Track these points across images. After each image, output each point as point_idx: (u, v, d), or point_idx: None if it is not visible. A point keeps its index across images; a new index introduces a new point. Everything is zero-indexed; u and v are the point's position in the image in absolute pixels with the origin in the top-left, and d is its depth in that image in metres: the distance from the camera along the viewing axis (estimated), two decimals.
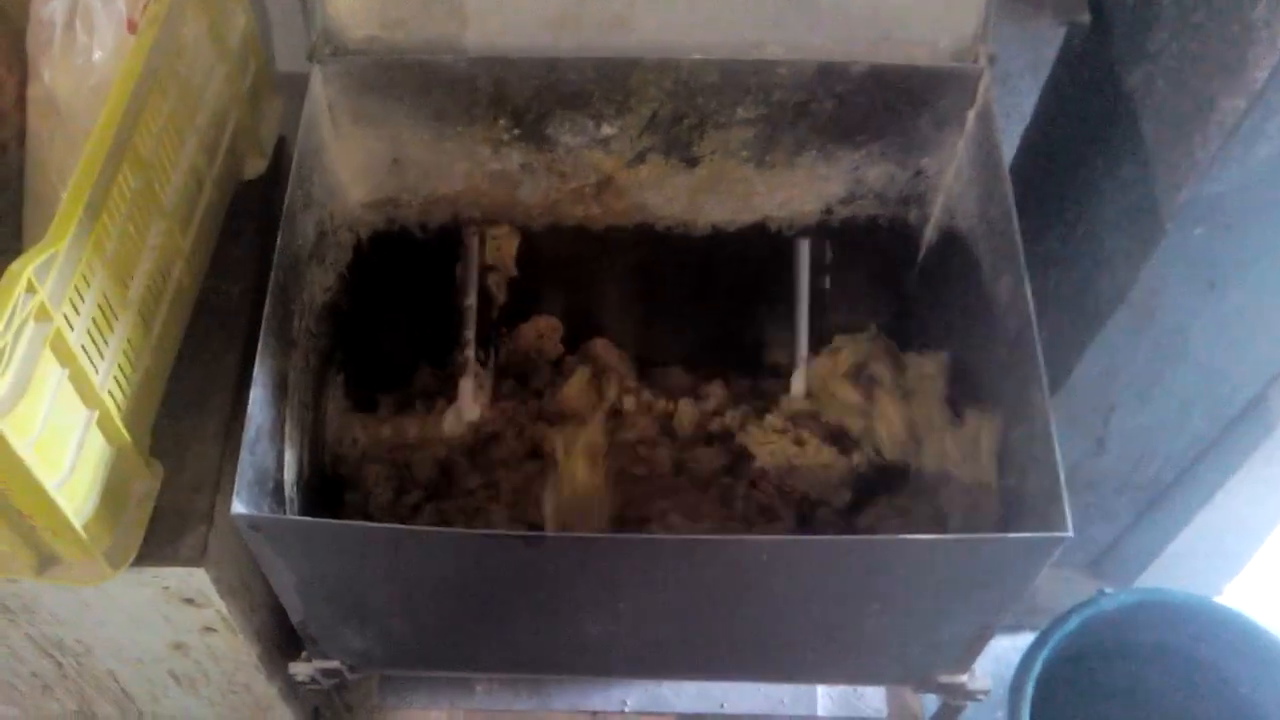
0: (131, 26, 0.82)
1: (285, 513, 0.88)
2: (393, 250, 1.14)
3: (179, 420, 0.89)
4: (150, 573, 0.83)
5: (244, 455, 0.78)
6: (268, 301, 0.85)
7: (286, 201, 0.91)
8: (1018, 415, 0.88)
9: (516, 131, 1.04)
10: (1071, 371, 1.13)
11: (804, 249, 1.11)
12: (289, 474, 0.89)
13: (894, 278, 1.16)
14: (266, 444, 0.84)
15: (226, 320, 0.93)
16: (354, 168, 1.07)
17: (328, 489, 1.03)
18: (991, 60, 0.98)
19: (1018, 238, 0.89)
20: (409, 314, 1.16)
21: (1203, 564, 1.41)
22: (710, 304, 1.19)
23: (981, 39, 0.98)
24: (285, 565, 0.81)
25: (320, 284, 1.00)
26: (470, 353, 1.08)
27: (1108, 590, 1.23)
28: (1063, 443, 0.80)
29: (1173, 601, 1.22)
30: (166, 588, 0.85)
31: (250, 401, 0.80)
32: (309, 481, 0.97)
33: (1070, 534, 0.77)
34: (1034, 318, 0.86)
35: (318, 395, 1.00)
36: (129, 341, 0.81)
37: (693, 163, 1.07)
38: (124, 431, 0.78)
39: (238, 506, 0.76)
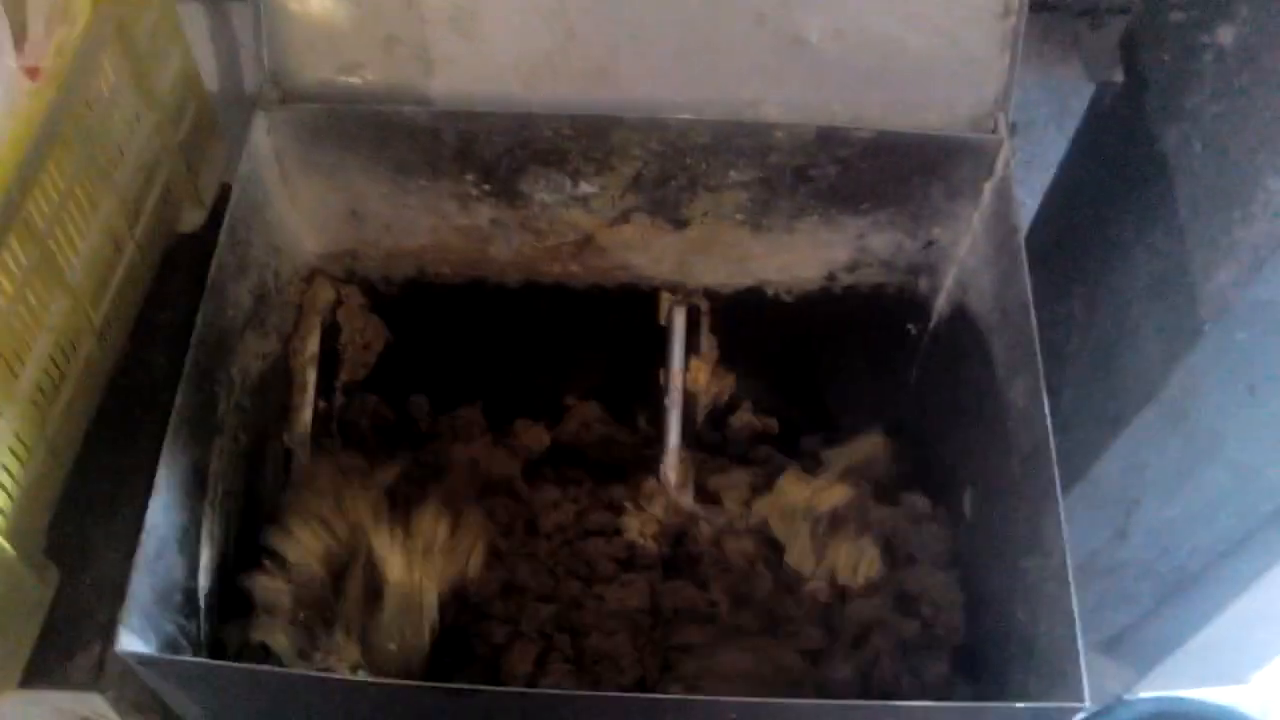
0: (33, 75, 0.72)
1: (198, 624, 0.78)
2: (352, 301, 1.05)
3: (82, 516, 0.79)
4: (40, 695, 0.74)
5: (137, 576, 0.69)
6: (179, 393, 0.75)
7: (211, 274, 0.81)
8: (1029, 542, 0.77)
9: (486, 187, 0.94)
10: (1094, 464, 1.02)
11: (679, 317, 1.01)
12: (204, 580, 0.80)
13: (898, 354, 1.06)
14: (174, 555, 0.75)
15: (147, 397, 0.84)
16: (307, 218, 0.97)
17: None
18: (1013, 130, 0.87)
19: (1036, 341, 0.79)
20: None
21: (1230, 654, 1.31)
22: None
23: (1002, 106, 0.87)
24: (187, 698, 0.71)
25: (256, 353, 0.90)
26: None
27: (1125, 698, 1.12)
28: (1082, 530, 0.71)
29: (1194, 712, 1.12)
30: (60, 709, 0.76)
31: (150, 511, 0.71)
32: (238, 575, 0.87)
33: (1087, 705, 0.66)
34: (1051, 435, 0.76)
35: (250, 476, 0.90)
36: (17, 437, 0.71)
37: (682, 224, 0.97)
38: (5, 544, 0.69)
39: (125, 641, 0.66)
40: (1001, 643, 0.80)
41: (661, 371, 1.02)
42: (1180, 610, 1.24)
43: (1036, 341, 0.78)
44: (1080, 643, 0.69)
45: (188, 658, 0.71)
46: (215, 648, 0.82)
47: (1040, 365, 0.78)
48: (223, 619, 0.83)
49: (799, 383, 1.11)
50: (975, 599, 0.87)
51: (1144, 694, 1.29)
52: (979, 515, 0.88)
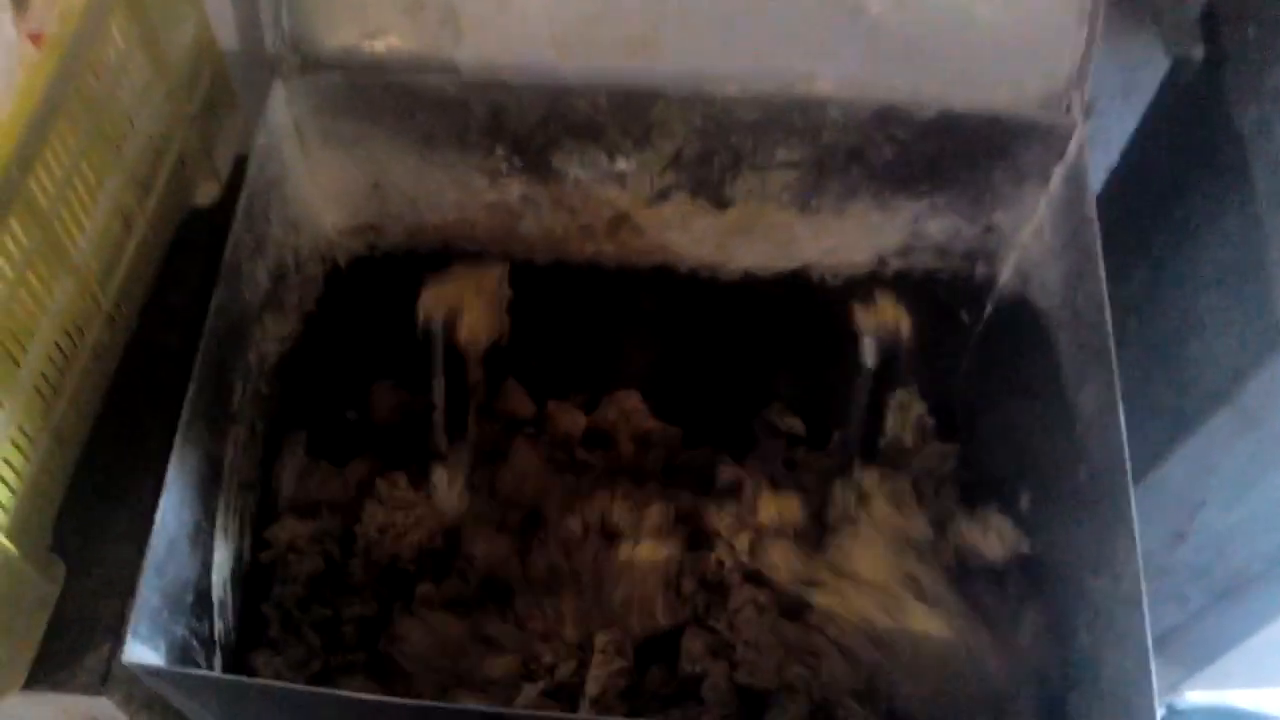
0: (35, 40, 0.66)
1: (211, 625, 0.75)
2: (374, 276, 1.00)
3: (90, 510, 0.75)
4: (46, 696, 0.71)
5: (146, 579, 0.65)
6: (193, 381, 0.71)
7: (227, 253, 0.76)
8: (1097, 561, 0.72)
9: (517, 162, 0.89)
10: (1157, 466, 0.96)
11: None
12: (219, 575, 0.76)
13: (948, 344, 1.00)
14: (185, 554, 0.70)
15: (159, 384, 0.79)
16: (328, 191, 0.92)
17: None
18: (1088, 111, 0.80)
19: (1111, 347, 0.72)
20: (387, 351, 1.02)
21: None
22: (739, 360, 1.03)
23: (1077, 84, 0.80)
24: (199, 708, 0.68)
25: (276, 335, 0.85)
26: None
27: (1176, 704, 1.08)
28: (1139, 531, 0.66)
29: None
30: (66, 710, 0.72)
31: (161, 509, 0.67)
32: (250, 572, 0.84)
33: None
34: (1125, 450, 0.70)
35: (268, 466, 0.86)
36: (20, 429, 0.67)
37: (724, 204, 0.91)
38: (7, 542, 0.65)
39: (133, 651, 0.62)
40: (1061, 666, 0.75)
41: None
42: (1234, 612, 1.18)
43: (1113, 348, 0.72)
44: (1153, 676, 0.64)
45: (198, 671, 0.68)
46: (232, 649, 0.78)
47: (1116, 373, 0.72)
48: (240, 617, 0.80)
49: (840, 374, 1.05)
50: (1034, 612, 0.82)
51: (1191, 694, 1.25)
52: (1038, 522, 0.83)
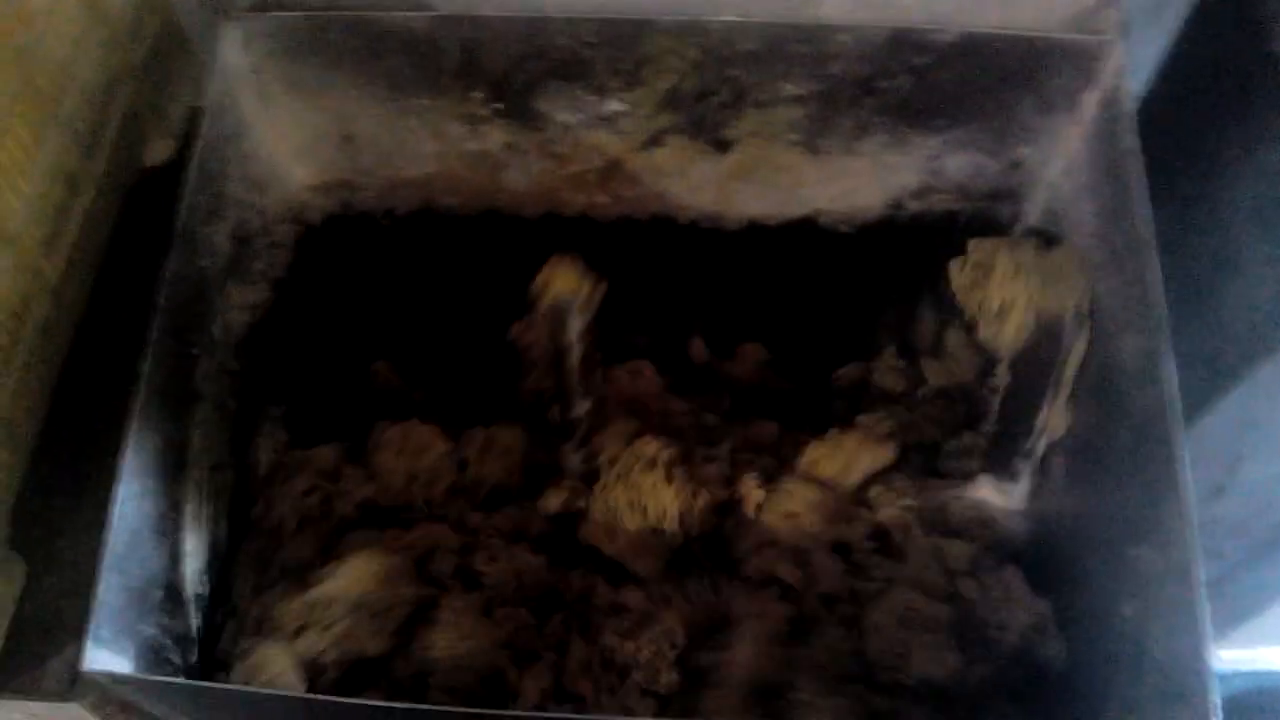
0: None
1: (185, 620, 0.69)
2: (350, 237, 0.93)
3: (49, 503, 0.69)
4: (9, 704, 0.65)
5: (105, 578, 0.59)
6: (146, 359, 0.65)
7: (180, 218, 0.69)
8: (1142, 529, 0.65)
9: (497, 106, 0.81)
10: (1195, 421, 0.89)
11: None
12: (192, 566, 0.70)
13: None
14: (150, 547, 0.65)
15: (116, 363, 0.72)
16: (293, 145, 0.85)
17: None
18: (1125, 31, 0.72)
19: (1160, 293, 0.66)
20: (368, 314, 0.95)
21: None
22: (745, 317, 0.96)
23: (1112, 1, 0.72)
24: (173, 712, 0.62)
25: (242, 304, 0.79)
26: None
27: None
28: None
29: None
30: (35, 717, 0.67)
31: (115, 502, 0.61)
32: (236, 555, 0.78)
33: None
34: (1177, 407, 0.64)
35: (242, 445, 0.80)
36: None
37: (724, 146, 0.84)
38: None
39: (93, 657, 0.57)
40: (1100, 644, 0.69)
41: None
42: (1271, 568, 1.13)
43: (1161, 293, 0.66)
44: (1209, 656, 0.58)
45: (166, 678, 0.62)
46: (210, 644, 0.73)
47: (1165, 322, 0.65)
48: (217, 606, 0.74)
49: (850, 329, 0.98)
50: (1066, 586, 0.76)
51: (1225, 654, 1.20)
52: (1072, 487, 0.77)
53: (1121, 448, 0.69)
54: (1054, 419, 0.77)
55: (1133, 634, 0.65)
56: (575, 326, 0.81)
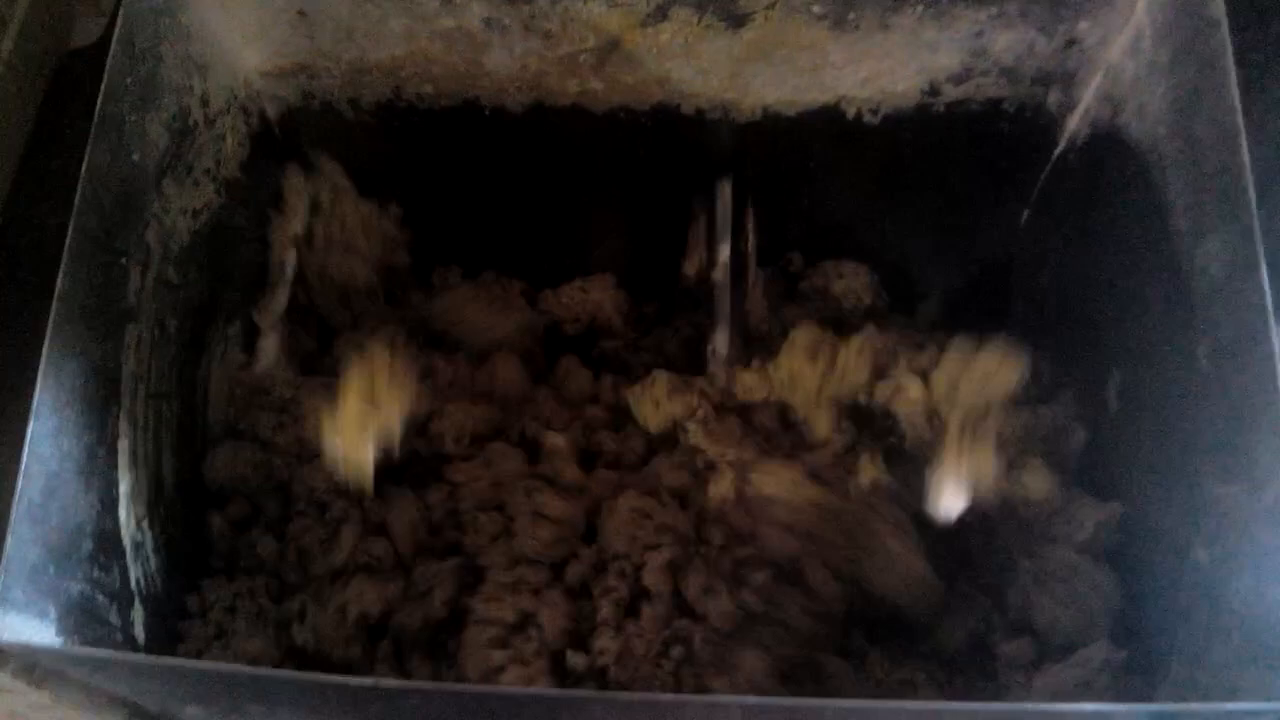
0: None
1: (123, 570, 0.61)
2: (314, 133, 0.82)
3: None
4: None
5: (15, 531, 0.50)
6: (63, 272, 0.55)
7: (101, 102, 0.59)
8: (1225, 463, 0.57)
9: None
10: None
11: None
12: (130, 510, 0.61)
13: (1007, 192, 0.83)
14: (73, 491, 0.56)
15: (38, 276, 0.63)
16: (241, 22, 0.74)
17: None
18: None
19: (1249, 186, 0.56)
20: None
21: None
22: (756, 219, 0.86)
23: None
24: (108, 680, 0.54)
25: (184, 207, 0.69)
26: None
27: None
28: None
29: None
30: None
31: (28, 441, 0.51)
32: (185, 492, 0.69)
33: None
34: (1271, 319, 0.54)
35: (189, 369, 0.70)
36: None
37: (738, 22, 0.74)
38: None
39: (5, 624, 0.48)
40: (1165, 595, 0.61)
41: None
42: None
43: (1250, 190, 0.56)
44: None
45: (88, 651, 0.53)
46: (158, 595, 0.65)
47: (1256, 220, 0.56)
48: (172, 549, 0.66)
49: (876, 232, 0.89)
50: (1121, 527, 0.68)
51: None
52: (1131, 411, 0.68)
53: (1200, 369, 0.59)
54: None
55: (1207, 584, 0.57)
56: None
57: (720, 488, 0.71)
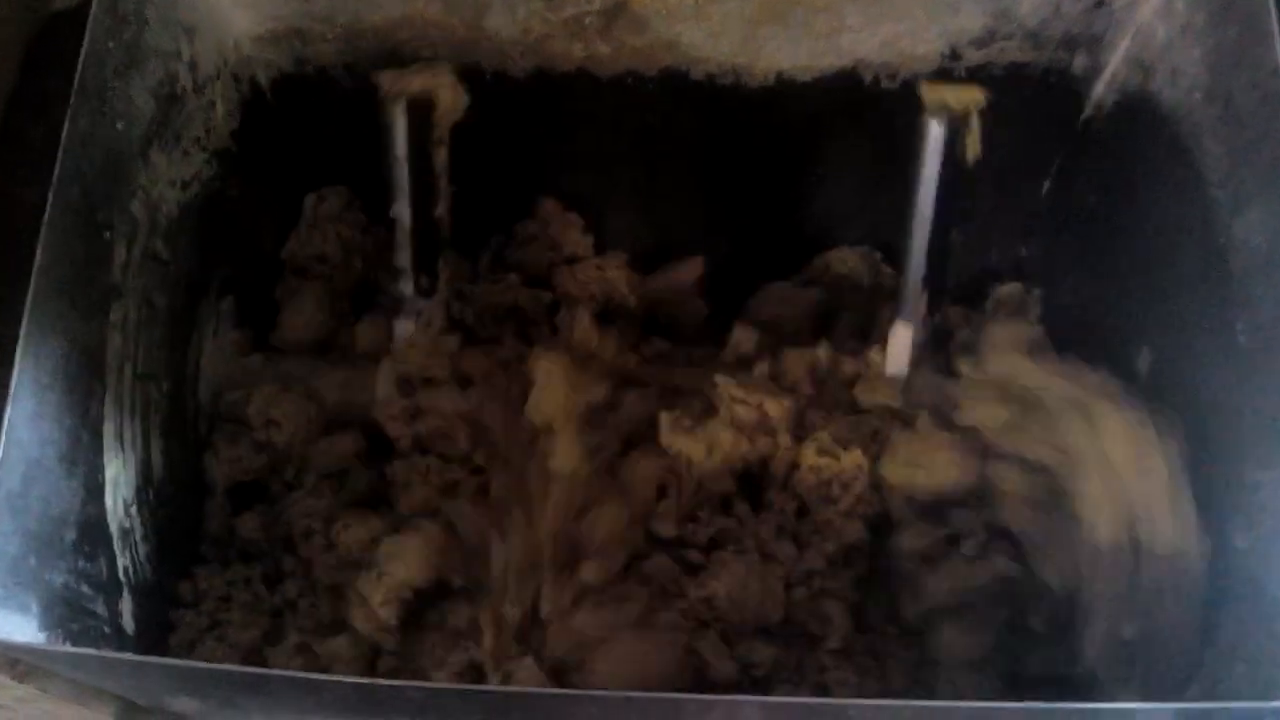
0: None
1: (110, 561, 0.58)
2: (307, 102, 0.79)
3: None
4: None
5: None
6: (42, 245, 0.52)
7: (83, 68, 0.56)
8: (1268, 450, 0.54)
9: None
10: None
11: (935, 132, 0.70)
12: (117, 496, 0.59)
13: (1029, 161, 0.79)
14: (55, 478, 0.53)
15: (18, 250, 0.60)
16: None
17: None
18: None
19: None
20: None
21: None
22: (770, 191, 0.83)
23: None
24: (92, 676, 0.52)
25: (172, 178, 0.66)
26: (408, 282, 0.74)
27: None
28: None
29: None
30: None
31: (6, 427, 0.49)
32: (176, 476, 0.67)
33: None
34: None
35: (179, 349, 0.68)
36: None
37: None
38: None
39: None
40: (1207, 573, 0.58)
41: None
42: None
43: None
44: None
45: (66, 649, 0.51)
46: (147, 585, 0.62)
47: None
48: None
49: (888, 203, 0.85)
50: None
51: None
52: (1163, 389, 0.65)
53: (1237, 347, 0.57)
54: None
55: (1245, 570, 0.54)
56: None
57: None
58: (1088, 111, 0.77)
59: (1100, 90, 0.75)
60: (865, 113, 0.78)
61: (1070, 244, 0.79)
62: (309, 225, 0.81)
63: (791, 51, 0.75)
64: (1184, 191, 0.63)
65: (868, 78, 0.77)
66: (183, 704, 0.56)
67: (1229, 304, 0.58)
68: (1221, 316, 0.58)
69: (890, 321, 0.75)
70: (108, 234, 0.59)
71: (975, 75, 0.76)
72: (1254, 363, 0.55)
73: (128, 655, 0.53)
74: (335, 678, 0.44)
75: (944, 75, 0.76)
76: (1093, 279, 0.75)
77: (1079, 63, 0.75)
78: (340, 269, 0.80)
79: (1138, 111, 0.70)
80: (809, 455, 0.70)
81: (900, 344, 0.73)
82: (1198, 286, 0.61)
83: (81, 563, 0.55)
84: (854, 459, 0.69)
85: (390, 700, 0.46)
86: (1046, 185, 0.82)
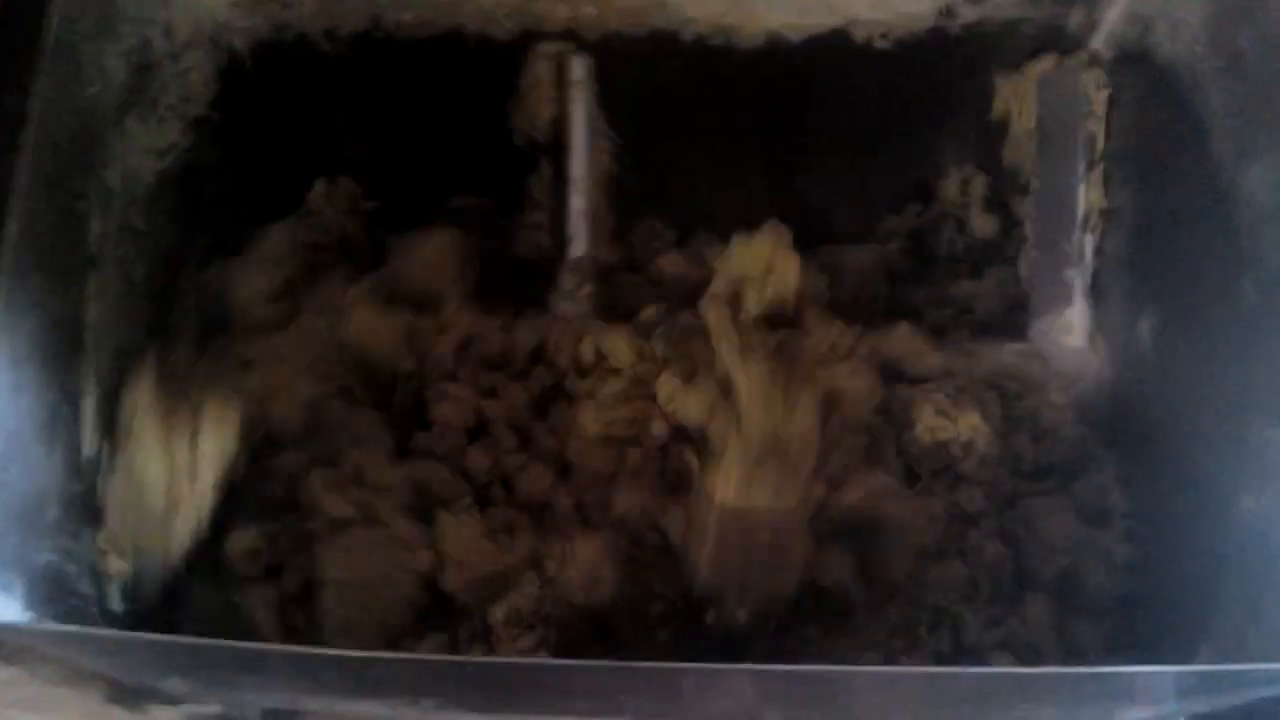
0: None
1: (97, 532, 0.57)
2: (288, 69, 0.77)
3: None
4: None
5: None
6: (13, 215, 0.50)
7: (51, 31, 0.54)
8: (1277, 408, 0.53)
9: None
10: None
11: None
12: (101, 473, 0.57)
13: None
14: (35, 454, 0.52)
15: None
16: None
17: None
18: None
19: None
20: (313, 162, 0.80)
21: None
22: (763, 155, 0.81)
23: None
24: (81, 655, 0.50)
25: (148, 147, 0.64)
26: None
27: None
28: None
29: None
30: None
31: None
32: None
33: None
34: None
35: (159, 321, 0.66)
36: None
37: None
38: None
39: None
40: (1208, 543, 0.57)
41: None
42: None
43: None
44: None
45: (50, 626, 0.50)
46: None
47: None
48: None
49: (884, 164, 0.84)
50: (1161, 471, 0.64)
51: None
52: (1168, 351, 0.64)
53: (1245, 304, 0.56)
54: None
55: (1256, 534, 0.54)
56: None
57: None
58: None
59: (1097, 46, 0.74)
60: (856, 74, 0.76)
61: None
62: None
63: (782, 9, 0.74)
64: (1187, 146, 0.62)
65: (860, 37, 0.75)
66: (175, 685, 0.55)
67: (1236, 260, 0.57)
68: (1228, 272, 0.57)
69: None
70: (82, 203, 0.57)
71: (969, 33, 0.74)
72: (1262, 320, 0.54)
73: (114, 632, 0.52)
74: (331, 651, 0.43)
75: (939, 36, 0.75)
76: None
77: (1075, 18, 0.74)
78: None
79: (1136, 66, 0.69)
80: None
81: None
82: (1204, 243, 0.60)
83: (66, 540, 0.54)
84: None
85: (384, 673, 0.45)
86: None
